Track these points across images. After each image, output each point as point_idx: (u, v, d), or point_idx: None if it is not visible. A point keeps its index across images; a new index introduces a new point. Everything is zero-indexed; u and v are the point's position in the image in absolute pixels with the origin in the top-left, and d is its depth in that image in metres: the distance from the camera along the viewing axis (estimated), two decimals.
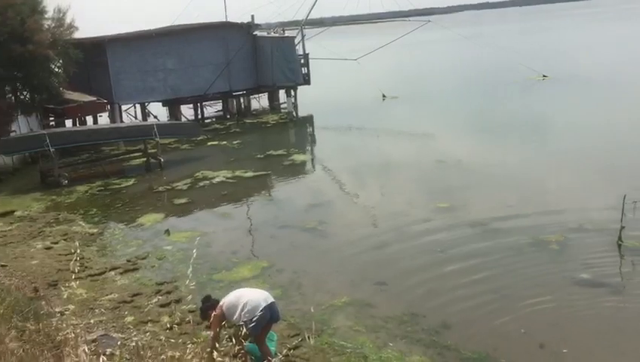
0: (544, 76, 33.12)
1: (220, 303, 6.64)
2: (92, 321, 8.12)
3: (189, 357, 3.75)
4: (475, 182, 14.91)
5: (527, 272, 9.37)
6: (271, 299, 6.59)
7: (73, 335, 4.65)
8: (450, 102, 29.05)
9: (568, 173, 15.22)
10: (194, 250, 5.86)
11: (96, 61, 24.78)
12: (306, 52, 28.88)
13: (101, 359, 3.60)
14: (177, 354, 3.92)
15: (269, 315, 6.45)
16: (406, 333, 7.67)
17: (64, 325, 5.85)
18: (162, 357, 4.15)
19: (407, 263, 10.01)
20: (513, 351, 7.13)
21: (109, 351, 4.09)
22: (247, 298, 6.52)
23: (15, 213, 14.63)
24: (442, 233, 11.26)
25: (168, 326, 7.38)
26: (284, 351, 6.93)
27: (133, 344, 4.36)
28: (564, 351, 7.08)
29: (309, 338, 7.53)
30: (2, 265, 10.68)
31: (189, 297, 5.53)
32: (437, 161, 17.16)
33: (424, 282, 9.20)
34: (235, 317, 6.47)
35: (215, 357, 4.74)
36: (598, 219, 11.18)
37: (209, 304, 6.81)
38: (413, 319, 8.03)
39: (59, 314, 7.67)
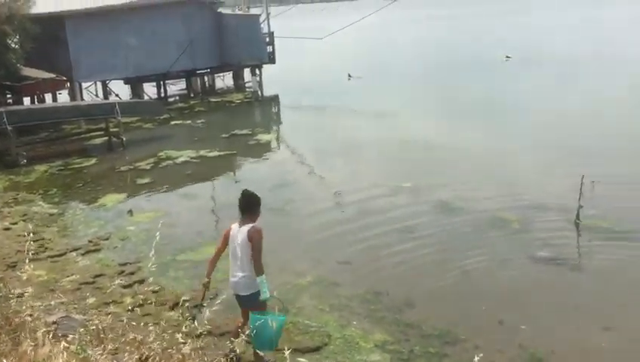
0: (507, 57, 33.59)
1: (231, 232, 6.21)
2: (52, 303, 7.98)
3: (151, 339, 3.73)
4: (438, 161, 15.09)
5: (487, 251, 9.56)
6: (236, 291, 6.21)
7: (31, 318, 4.56)
8: (415, 83, 29.20)
9: (529, 153, 15.50)
10: (157, 233, 5.73)
11: (56, 37, 24.02)
12: (271, 30, 28.59)
13: (62, 345, 3.53)
14: (139, 336, 3.88)
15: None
16: (370, 312, 7.77)
17: (23, 307, 5.74)
18: (123, 339, 4.10)
19: (371, 242, 10.10)
20: (473, 327, 7.29)
21: (70, 336, 4.01)
22: (230, 270, 6.19)
23: None
24: (406, 212, 11.37)
25: (130, 307, 7.35)
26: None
27: (94, 327, 4.28)
28: (523, 327, 7.26)
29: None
30: None
31: (151, 279, 5.46)
32: (401, 141, 17.28)
33: (388, 261, 9.30)
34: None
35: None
36: (558, 199, 11.41)
37: (255, 201, 6.31)
38: (377, 297, 8.13)
39: (17, 297, 7.51)
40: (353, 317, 7.65)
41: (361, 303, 8.01)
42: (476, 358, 4.03)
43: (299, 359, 5.51)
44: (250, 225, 6.17)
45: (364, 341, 7.07)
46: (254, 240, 6.07)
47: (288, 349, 3.96)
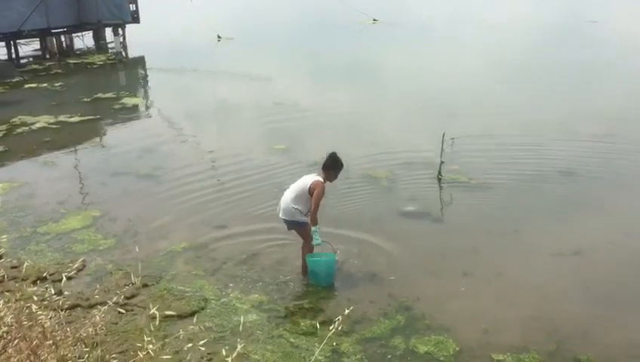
0: (374, 20, 34.48)
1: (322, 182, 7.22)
2: None
3: (7, 314, 3.46)
4: (310, 123, 15.29)
5: (359, 207, 9.92)
6: (280, 215, 7.46)
7: None
8: (285, 45, 29.16)
9: (397, 113, 16.20)
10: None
11: None
12: None
13: None
14: None
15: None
16: (245, 273, 7.78)
17: None
18: None
19: (246, 204, 10.07)
20: (348, 284, 7.55)
21: None
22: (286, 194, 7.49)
23: None
24: (280, 174, 11.39)
25: None
26: (120, 299, 6.66)
27: None
28: (392, 278, 7.65)
29: (145, 285, 7.35)
30: None
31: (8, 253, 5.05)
32: (274, 103, 17.24)
33: (262, 222, 9.32)
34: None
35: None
36: (422, 156, 12.06)
37: (334, 165, 7.33)
38: (252, 259, 8.16)
39: None
40: (229, 279, 7.62)
41: (237, 266, 7.99)
42: (347, 311, 4.17)
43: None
44: (319, 178, 7.27)
45: (240, 302, 7.07)
46: (314, 192, 7.16)
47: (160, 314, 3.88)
